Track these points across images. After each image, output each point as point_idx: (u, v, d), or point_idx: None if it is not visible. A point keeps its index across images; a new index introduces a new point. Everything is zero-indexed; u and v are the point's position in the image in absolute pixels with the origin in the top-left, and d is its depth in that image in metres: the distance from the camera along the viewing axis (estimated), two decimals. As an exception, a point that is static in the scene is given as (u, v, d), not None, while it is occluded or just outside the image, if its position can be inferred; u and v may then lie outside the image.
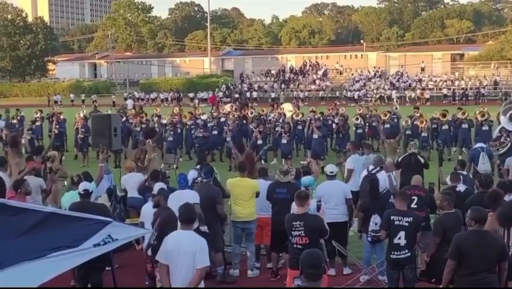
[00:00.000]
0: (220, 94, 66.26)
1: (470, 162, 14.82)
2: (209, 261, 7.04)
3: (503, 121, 17.33)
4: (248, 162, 11.84)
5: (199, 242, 6.94)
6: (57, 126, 25.19)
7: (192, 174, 11.52)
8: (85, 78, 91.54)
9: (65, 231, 6.37)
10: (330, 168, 11.02)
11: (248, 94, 65.84)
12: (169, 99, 66.33)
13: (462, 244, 7.11)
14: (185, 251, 6.84)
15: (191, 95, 67.43)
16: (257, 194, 10.42)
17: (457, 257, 7.11)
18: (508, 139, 17.28)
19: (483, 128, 22.77)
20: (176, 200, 9.44)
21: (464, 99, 57.41)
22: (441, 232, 8.29)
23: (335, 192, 10.50)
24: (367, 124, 26.05)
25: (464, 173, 11.40)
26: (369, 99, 60.67)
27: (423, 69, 71.78)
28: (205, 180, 10.54)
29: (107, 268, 8.60)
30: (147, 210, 9.37)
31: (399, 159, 14.19)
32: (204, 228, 8.98)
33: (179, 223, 7.38)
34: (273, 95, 64.83)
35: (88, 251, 6.33)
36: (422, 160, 13.94)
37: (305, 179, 10.06)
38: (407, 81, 66.88)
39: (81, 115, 25.87)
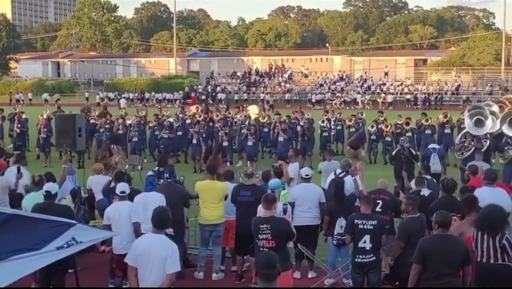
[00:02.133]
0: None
1: (423, 162, 15.22)
2: (180, 266, 6.97)
3: (468, 126, 17.62)
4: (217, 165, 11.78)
5: (171, 246, 6.85)
6: (19, 126, 24.78)
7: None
8: (48, 77, 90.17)
9: (28, 233, 6.25)
10: (305, 170, 11.03)
11: (219, 97, 65.54)
12: (134, 99, 65.81)
13: (426, 249, 7.19)
14: (156, 255, 6.76)
15: (157, 95, 66.88)
16: (226, 197, 10.41)
17: (422, 261, 7.18)
18: (472, 143, 17.61)
19: (446, 131, 23.16)
20: (142, 202, 9.41)
21: (426, 103, 58.21)
22: (405, 236, 8.37)
23: (309, 195, 10.49)
24: (332, 127, 26.22)
25: (429, 177, 11.55)
26: (333, 102, 61.09)
27: (386, 74, 72.53)
28: (169, 180, 10.69)
29: (70, 270, 8.49)
30: (112, 212, 9.28)
31: (393, 153, 17.01)
32: (169, 230, 8.92)
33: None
34: (236, 97, 64.71)
35: (51, 254, 6.22)
36: (414, 152, 16.60)
37: (272, 182, 10.06)
38: (371, 85, 67.51)
39: (44, 115, 25.43)
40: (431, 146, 17.50)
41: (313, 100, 61.97)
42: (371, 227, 8.52)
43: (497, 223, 7.55)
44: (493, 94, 58.83)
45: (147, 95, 67.07)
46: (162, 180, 10.86)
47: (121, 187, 9.46)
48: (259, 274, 5.59)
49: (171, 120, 25.84)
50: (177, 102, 62.21)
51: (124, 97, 60.95)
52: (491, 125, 17.29)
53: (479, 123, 17.20)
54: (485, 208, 7.95)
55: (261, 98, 62.40)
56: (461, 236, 7.73)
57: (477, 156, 14.98)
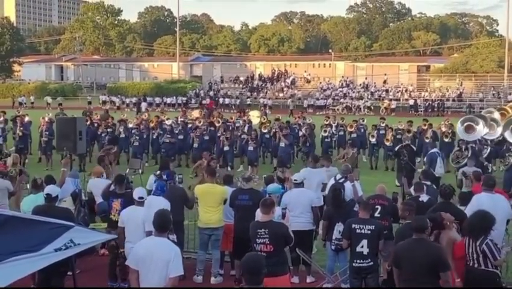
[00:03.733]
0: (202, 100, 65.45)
1: (428, 165, 15.22)
2: (183, 269, 6.97)
3: (459, 132, 17.69)
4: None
5: (173, 250, 6.86)
6: (21, 128, 24.82)
7: (151, 179, 11.66)
8: (52, 80, 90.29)
9: (26, 235, 6.29)
10: (295, 176, 11.06)
11: (221, 101, 65.43)
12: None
13: (399, 252, 7.35)
14: (158, 258, 6.75)
15: (156, 99, 66.82)
16: (225, 201, 10.44)
17: (397, 264, 7.35)
18: (466, 152, 17.61)
19: (446, 140, 23.14)
20: (147, 206, 9.37)
21: (429, 110, 58.19)
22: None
23: (301, 200, 10.50)
24: (334, 133, 26.18)
25: (428, 183, 11.55)
26: (336, 108, 61.14)
27: (385, 81, 72.30)
28: (167, 181, 10.75)
29: (69, 273, 8.51)
30: (127, 215, 9.26)
31: (396, 149, 18.50)
32: (173, 237, 8.90)
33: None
34: (236, 101, 64.71)
35: (49, 256, 6.25)
36: (414, 148, 18.73)
37: (270, 187, 10.10)
38: (374, 92, 67.51)
39: (46, 118, 25.50)
40: (435, 149, 17.53)
41: (305, 106, 61.82)
42: (369, 231, 8.55)
43: (478, 227, 7.70)
44: (486, 101, 59.04)
45: (149, 99, 66.91)
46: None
47: (139, 192, 9.39)
48: (244, 277, 5.62)
49: (168, 122, 25.88)
50: (188, 105, 61.86)
51: (144, 100, 60.59)
52: (482, 130, 17.33)
53: (469, 129, 17.25)
54: (472, 214, 8.06)
55: (264, 103, 62.34)
56: (449, 242, 7.84)
57: (469, 162, 14.96)
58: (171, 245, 6.98)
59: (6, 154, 13.46)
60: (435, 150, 17.44)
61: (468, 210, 9.17)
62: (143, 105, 55.18)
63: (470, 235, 7.72)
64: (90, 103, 61.23)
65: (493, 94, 63.31)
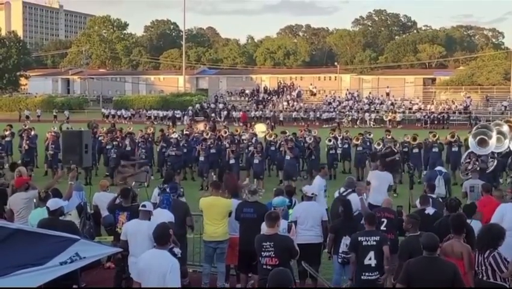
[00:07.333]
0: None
1: (428, 182, 15.17)
2: (180, 282, 6.96)
3: (471, 145, 17.55)
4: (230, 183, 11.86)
5: (171, 262, 6.87)
6: (27, 142, 24.87)
7: (155, 192, 11.77)
8: (58, 94, 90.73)
9: (32, 248, 6.29)
10: (310, 189, 11.01)
11: (225, 113, 65.48)
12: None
13: (411, 270, 7.11)
14: (156, 270, 6.80)
15: (154, 112, 66.85)
16: (230, 214, 10.41)
17: (405, 282, 7.11)
18: (477, 163, 17.52)
19: (453, 149, 23.08)
20: (153, 219, 9.33)
21: (435, 122, 58.07)
22: (406, 255, 8.27)
23: (311, 213, 10.46)
24: (339, 146, 26.11)
25: (434, 196, 11.50)
26: (342, 121, 61.09)
27: (388, 94, 72.17)
28: (171, 194, 10.83)
29: (74, 286, 8.49)
30: (130, 228, 9.16)
31: (382, 152, 20.42)
32: (178, 251, 8.86)
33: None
34: (236, 114, 64.69)
35: (54, 270, 6.25)
36: (395, 150, 21.31)
37: (276, 200, 10.08)
38: (379, 104, 67.44)
39: (52, 132, 25.54)
40: (438, 168, 17.32)
41: (280, 119, 61.53)
42: (375, 243, 8.52)
43: (484, 241, 7.70)
44: (492, 114, 59.03)
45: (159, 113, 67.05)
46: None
47: (143, 202, 9.44)
48: None
49: (175, 136, 25.90)
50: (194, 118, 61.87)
51: (187, 114, 60.61)
52: (495, 145, 17.21)
53: (482, 143, 17.14)
54: (481, 227, 8.05)
55: (270, 116, 62.30)
56: (462, 255, 7.78)
57: (473, 175, 14.89)
58: (170, 257, 7.00)
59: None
60: (437, 168, 17.18)
61: (493, 219, 9.33)
62: (186, 118, 55.22)
63: (477, 248, 7.72)
64: (107, 116, 61.79)
65: (492, 105, 63.54)
